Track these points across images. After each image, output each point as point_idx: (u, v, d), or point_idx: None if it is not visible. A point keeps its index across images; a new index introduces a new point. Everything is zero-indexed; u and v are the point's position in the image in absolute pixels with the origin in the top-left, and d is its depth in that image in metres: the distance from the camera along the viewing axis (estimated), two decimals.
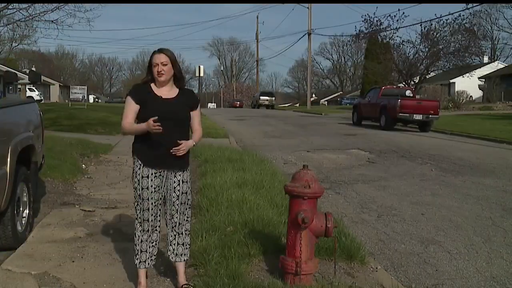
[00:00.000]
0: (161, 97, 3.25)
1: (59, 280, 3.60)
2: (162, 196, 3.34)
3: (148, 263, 3.38)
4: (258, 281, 3.47)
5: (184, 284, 3.38)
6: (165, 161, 3.23)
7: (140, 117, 3.22)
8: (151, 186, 3.26)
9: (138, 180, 3.27)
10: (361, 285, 3.63)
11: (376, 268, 4.00)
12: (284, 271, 3.46)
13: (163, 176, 3.30)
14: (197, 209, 5.30)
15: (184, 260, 3.46)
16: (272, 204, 5.36)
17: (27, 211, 4.74)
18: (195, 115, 3.39)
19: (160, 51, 3.25)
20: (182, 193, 3.35)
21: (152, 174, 3.26)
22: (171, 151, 3.17)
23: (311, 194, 3.38)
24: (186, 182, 3.37)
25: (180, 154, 3.20)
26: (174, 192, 3.33)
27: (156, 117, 3.06)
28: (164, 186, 3.33)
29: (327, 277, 3.69)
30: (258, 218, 4.65)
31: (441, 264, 4.34)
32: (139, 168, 3.26)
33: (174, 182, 3.33)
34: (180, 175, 3.33)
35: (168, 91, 3.29)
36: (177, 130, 3.22)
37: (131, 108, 3.24)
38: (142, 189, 3.26)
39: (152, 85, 3.30)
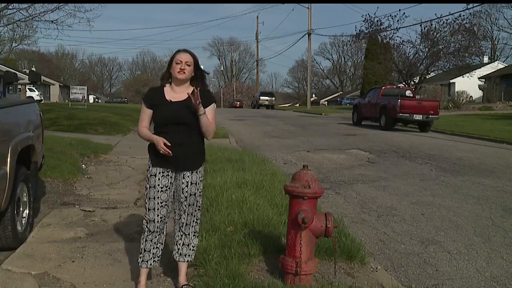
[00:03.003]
0: (171, 100, 3.27)
1: (59, 280, 3.60)
2: (171, 198, 3.35)
3: (151, 264, 3.37)
4: (258, 281, 3.47)
5: (184, 285, 3.38)
6: (172, 161, 3.23)
7: (153, 121, 3.34)
8: (158, 185, 3.28)
9: (147, 178, 3.34)
10: (361, 285, 3.63)
11: (376, 268, 4.01)
12: (284, 271, 3.46)
13: (171, 177, 3.31)
14: None
15: (188, 260, 3.45)
16: (272, 204, 5.36)
17: (27, 211, 4.74)
18: (209, 112, 3.31)
19: (185, 50, 3.31)
20: (190, 194, 3.35)
21: (159, 173, 3.29)
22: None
23: (311, 194, 3.38)
24: (195, 184, 3.36)
25: (196, 101, 3.15)
26: (182, 193, 3.34)
27: (169, 144, 3.15)
28: (173, 186, 3.35)
29: (327, 277, 3.69)
30: (258, 218, 4.65)
31: (441, 264, 4.34)
32: (149, 167, 3.34)
33: (183, 183, 3.33)
34: (188, 176, 3.33)
35: (182, 92, 3.29)
36: (185, 132, 3.24)
37: (145, 112, 3.34)
38: (150, 187, 3.30)
39: (166, 88, 3.32)
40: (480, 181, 7.96)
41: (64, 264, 3.92)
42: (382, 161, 10.14)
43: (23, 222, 4.64)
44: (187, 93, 3.20)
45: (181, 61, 3.24)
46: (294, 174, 3.54)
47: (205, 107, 3.29)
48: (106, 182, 7.39)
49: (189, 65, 3.26)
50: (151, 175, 3.30)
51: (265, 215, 4.76)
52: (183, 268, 3.44)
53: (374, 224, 5.52)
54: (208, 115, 3.31)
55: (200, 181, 3.40)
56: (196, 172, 3.36)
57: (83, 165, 8.57)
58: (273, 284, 3.38)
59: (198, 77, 3.34)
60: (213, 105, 3.40)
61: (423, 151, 11.66)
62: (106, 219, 5.30)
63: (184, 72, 3.24)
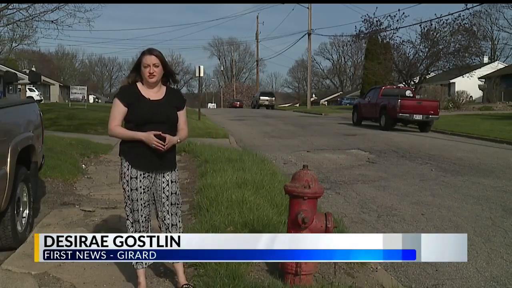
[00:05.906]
0: (149, 98, 3.25)
1: (59, 280, 3.60)
2: (151, 197, 3.34)
3: (146, 263, 3.37)
4: (258, 281, 3.47)
5: (184, 284, 3.37)
6: (153, 162, 3.23)
7: (128, 119, 3.24)
8: (140, 187, 3.26)
9: (127, 181, 3.26)
10: (361, 285, 3.63)
11: (376, 268, 4.01)
12: (284, 271, 3.47)
13: (151, 177, 3.30)
14: (197, 209, 5.30)
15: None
16: (272, 204, 5.36)
17: (27, 211, 4.74)
18: (181, 115, 3.39)
19: (150, 52, 3.23)
20: (172, 193, 3.35)
21: (140, 175, 3.25)
22: (153, 145, 3.13)
23: (311, 194, 3.38)
24: (175, 182, 3.37)
25: (163, 150, 3.16)
26: (163, 193, 3.32)
27: (159, 132, 3.11)
28: (153, 186, 3.33)
29: (327, 277, 3.69)
30: (258, 218, 4.65)
31: (441, 264, 4.34)
32: (128, 169, 3.25)
33: (163, 182, 3.32)
34: (168, 175, 3.33)
35: (156, 92, 3.30)
36: (164, 131, 3.20)
37: (119, 110, 3.23)
38: (131, 190, 3.26)
39: (139, 86, 3.29)
40: (480, 181, 7.97)
41: (64, 264, 3.90)
42: (382, 161, 10.14)
43: (23, 222, 4.64)
44: (162, 134, 3.15)
45: (148, 64, 3.20)
46: (294, 174, 3.54)
47: (179, 109, 3.35)
48: (106, 182, 7.39)
49: (157, 66, 3.22)
50: (131, 178, 3.24)
51: (265, 215, 4.76)
52: (179, 268, 3.43)
53: (374, 224, 5.52)
54: (181, 118, 3.36)
55: (178, 179, 3.41)
56: (175, 171, 3.38)
57: (83, 165, 8.58)
58: (273, 284, 3.38)
59: (168, 75, 3.33)
60: (185, 107, 3.44)
61: (423, 151, 11.66)
62: (106, 219, 5.30)
63: (154, 75, 3.22)
